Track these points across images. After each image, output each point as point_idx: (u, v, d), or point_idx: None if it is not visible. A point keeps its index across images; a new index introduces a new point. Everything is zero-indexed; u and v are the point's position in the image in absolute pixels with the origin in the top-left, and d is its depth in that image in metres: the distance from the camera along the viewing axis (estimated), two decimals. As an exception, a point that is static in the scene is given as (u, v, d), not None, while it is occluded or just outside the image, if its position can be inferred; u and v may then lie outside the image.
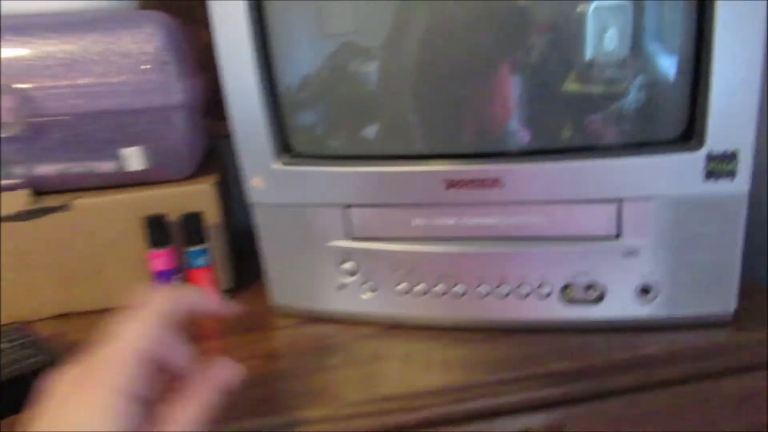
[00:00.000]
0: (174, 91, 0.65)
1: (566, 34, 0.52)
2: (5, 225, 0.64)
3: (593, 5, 0.51)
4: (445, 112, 0.55)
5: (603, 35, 0.52)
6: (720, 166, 0.50)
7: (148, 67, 0.64)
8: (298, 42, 0.56)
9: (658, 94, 0.52)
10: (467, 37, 0.54)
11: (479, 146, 0.55)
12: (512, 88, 0.54)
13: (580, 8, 0.51)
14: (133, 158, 0.66)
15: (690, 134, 0.51)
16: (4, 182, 0.66)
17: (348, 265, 0.58)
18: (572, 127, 0.54)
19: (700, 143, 0.50)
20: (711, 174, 0.51)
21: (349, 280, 0.59)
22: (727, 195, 0.51)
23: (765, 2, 0.46)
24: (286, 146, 0.58)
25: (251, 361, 0.56)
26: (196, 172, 0.71)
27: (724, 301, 0.54)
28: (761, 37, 0.47)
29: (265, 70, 0.55)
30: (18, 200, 0.64)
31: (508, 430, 0.51)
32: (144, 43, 0.64)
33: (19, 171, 0.66)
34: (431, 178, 0.53)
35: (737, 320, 0.55)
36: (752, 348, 0.53)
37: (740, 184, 0.51)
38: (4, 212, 0.64)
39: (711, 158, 0.50)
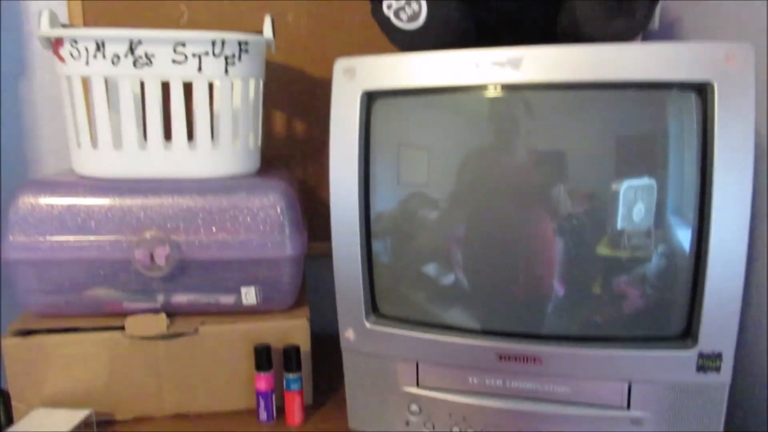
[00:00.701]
0: (287, 247, 0.83)
1: (602, 205, 0.68)
2: (146, 341, 0.82)
3: (626, 183, 0.68)
4: (500, 285, 0.72)
5: (632, 208, 0.68)
6: (709, 362, 0.66)
7: (269, 228, 0.83)
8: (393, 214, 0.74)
9: (674, 270, 0.67)
10: (517, 207, 0.71)
11: (527, 327, 0.71)
12: (554, 249, 0.71)
13: (615, 186, 0.67)
14: (250, 295, 0.85)
15: (687, 334, 0.67)
16: (145, 305, 0.84)
17: (414, 407, 0.75)
18: (601, 297, 0.70)
19: (694, 342, 0.66)
20: (701, 368, 0.66)
21: (414, 418, 0.75)
22: (713, 384, 0.66)
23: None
24: (374, 307, 0.75)
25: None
26: (294, 303, 0.89)
27: (709, 466, 0.69)
28: (743, 256, 0.63)
29: (366, 239, 0.73)
30: (158, 324, 0.83)
31: None
32: (268, 209, 0.83)
33: (160, 298, 0.84)
34: (487, 350, 0.70)
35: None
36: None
37: (724, 376, 0.66)
38: (149, 333, 0.82)
39: (702, 356, 0.66)
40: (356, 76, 0.71)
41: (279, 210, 0.83)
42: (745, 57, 0.60)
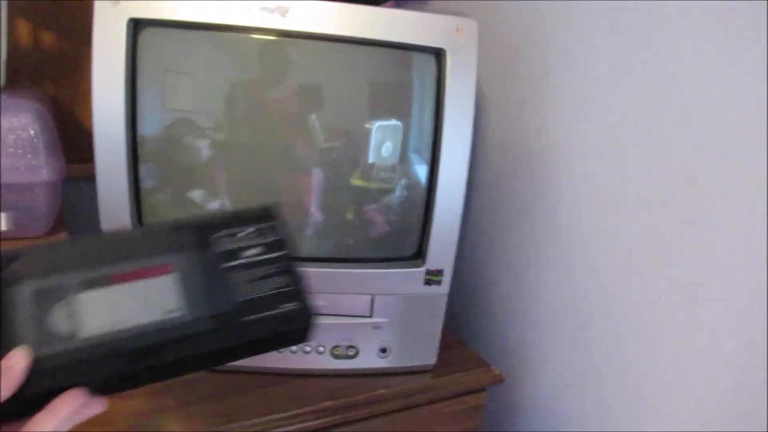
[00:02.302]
0: (42, 172, 0.80)
1: (356, 141, 0.79)
2: None
3: (377, 123, 0.79)
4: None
5: (382, 145, 0.79)
6: (433, 277, 0.81)
7: (21, 151, 0.78)
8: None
9: (412, 200, 0.81)
10: (280, 139, 0.78)
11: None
12: (313, 178, 0.80)
13: (367, 124, 0.78)
14: (1, 221, 0.80)
15: (418, 254, 0.81)
16: None
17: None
18: (353, 223, 0.81)
19: (423, 262, 0.80)
20: (428, 282, 0.81)
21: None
22: (435, 294, 0.82)
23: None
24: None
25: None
26: (50, 229, 0.86)
27: (430, 356, 0.86)
28: (462, 191, 0.78)
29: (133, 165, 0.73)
30: None
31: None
32: (19, 130, 0.78)
33: None
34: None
35: (436, 368, 0.87)
36: (444, 387, 0.86)
37: (444, 288, 0.82)
38: None
39: (428, 272, 0.81)
40: (120, 1, 0.69)
41: (32, 132, 0.79)
42: (471, 30, 0.73)
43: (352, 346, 0.83)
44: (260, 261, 0.48)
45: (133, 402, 0.74)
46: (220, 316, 0.45)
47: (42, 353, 0.40)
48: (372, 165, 0.80)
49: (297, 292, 0.49)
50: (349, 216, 0.83)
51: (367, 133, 0.78)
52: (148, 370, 0.43)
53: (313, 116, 0.78)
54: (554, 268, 0.87)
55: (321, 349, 0.82)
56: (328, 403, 0.78)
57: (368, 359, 0.84)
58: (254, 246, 0.49)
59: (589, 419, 0.84)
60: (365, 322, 0.82)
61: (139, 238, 0.50)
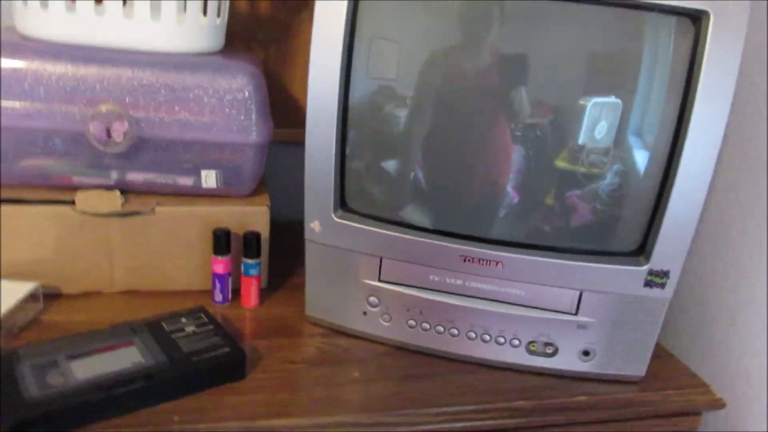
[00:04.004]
0: (252, 132, 0.80)
1: (565, 119, 0.70)
2: (98, 218, 0.79)
3: (593, 100, 0.69)
4: (457, 187, 0.73)
5: (595, 125, 0.70)
6: (656, 279, 0.71)
7: (235, 111, 0.79)
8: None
9: (625, 189, 0.70)
10: (481, 110, 0.71)
11: (488, 231, 0.73)
12: (513, 155, 0.72)
13: (582, 101, 0.68)
14: (210, 179, 0.82)
15: (641, 251, 0.71)
16: (98, 181, 0.81)
17: (373, 298, 0.77)
18: (553, 209, 0.73)
19: (646, 260, 0.70)
20: (648, 284, 0.71)
21: (372, 309, 0.77)
22: (656, 298, 0.71)
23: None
24: (343, 201, 0.75)
25: (286, 365, 0.74)
26: (254, 190, 0.87)
27: (639, 367, 0.75)
28: (708, 180, 0.66)
29: (342, 133, 0.71)
30: (112, 201, 0.80)
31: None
32: (235, 91, 0.79)
33: (114, 175, 0.81)
34: (452, 251, 0.72)
35: (645, 381, 0.76)
36: (654, 403, 0.75)
37: (668, 292, 0.71)
38: (101, 209, 0.79)
39: (651, 273, 0.70)
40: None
41: (247, 93, 0.79)
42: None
43: (550, 344, 0.75)
44: (199, 331, 0.72)
45: (320, 370, 0.73)
46: (173, 360, 0.66)
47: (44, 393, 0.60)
48: (581, 147, 0.70)
49: (229, 341, 0.70)
50: (549, 200, 0.74)
51: (579, 111, 0.69)
52: (122, 397, 0.62)
53: (520, 88, 0.70)
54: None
55: (516, 342, 0.75)
56: (522, 403, 0.71)
57: (568, 360, 0.75)
58: (193, 325, 0.73)
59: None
60: (569, 320, 0.74)
61: (109, 332, 0.71)
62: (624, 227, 0.72)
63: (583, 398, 0.73)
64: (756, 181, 0.80)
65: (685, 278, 0.89)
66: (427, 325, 0.76)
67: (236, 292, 0.85)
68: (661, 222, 0.68)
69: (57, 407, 0.59)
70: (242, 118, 0.80)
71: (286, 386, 0.70)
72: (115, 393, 0.61)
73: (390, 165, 0.76)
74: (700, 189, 0.66)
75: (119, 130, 0.76)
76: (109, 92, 0.76)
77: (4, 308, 0.72)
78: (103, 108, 0.76)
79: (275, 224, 0.86)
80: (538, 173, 0.73)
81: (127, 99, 0.77)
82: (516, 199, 0.74)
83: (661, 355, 0.82)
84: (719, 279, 0.84)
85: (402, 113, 0.73)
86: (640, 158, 0.70)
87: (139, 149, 0.79)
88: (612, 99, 0.69)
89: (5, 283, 0.76)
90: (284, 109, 1.00)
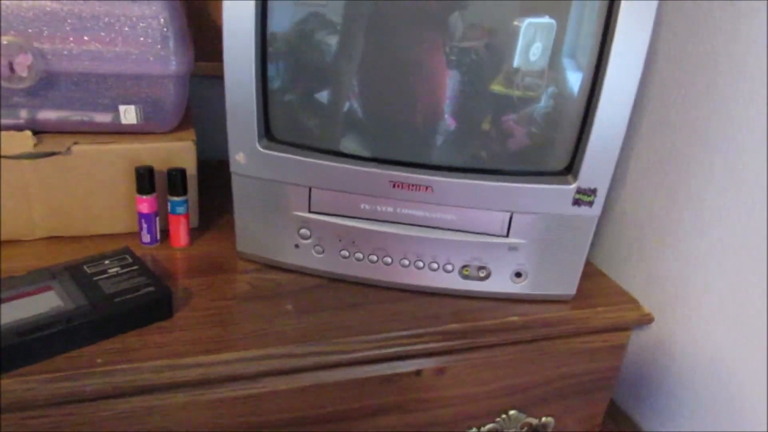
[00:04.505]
0: (171, 62, 0.77)
1: (500, 41, 0.69)
2: (10, 161, 0.75)
3: (527, 20, 0.68)
4: (394, 113, 0.71)
5: (530, 47, 0.69)
6: (584, 197, 0.71)
7: (151, 40, 0.75)
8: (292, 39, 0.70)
9: (560, 110, 0.70)
10: (415, 35, 0.69)
11: (419, 156, 0.72)
12: (448, 80, 0.71)
13: (516, 21, 0.67)
14: (129, 114, 0.78)
15: (569, 170, 0.71)
16: (7, 122, 0.76)
17: (304, 230, 0.75)
18: (489, 133, 0.72)
19: (574, 179, 0.70)
20: (576, 202, 0.71)
21: (304, 242, 0.76)
22: (584, 216, 0.72)
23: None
24: (268, 131, 0.72)
25: (217, 302, 0.72)
26: (178, 125, 0.83)
27: (570, 287, 0.77)
28: (632, 97, 0.66)
29: (262, 61, 0.68)
30: (23, 142, 0.75)
31: (406, 370, 0.71)
32: (150, 19, 0.75)
33: (23, 114, 0.76)
34: (381, 178, 0.70)
35: (575, 300, 0.78)
36: (584, 321, 0.77)
37: (595, 210, 0.72)
38: (11, 152, 0.75)
39: (579, 191, 0.71)
40: None
41: (162, 20, 0.75)
42: None
43: (483, 267, 0.75)
44: (123, 273, 0.70)
45: (252, 305, 0.72)
46: (94, 302, 0.64)
47: None
48: (516, 70, 0.69)
49: (154, 281, 0.68)
50: (485, 126, 0.73)
51: (514, 32, 0.67)
52: (41, 342, 0.59)
53: (454, 11, 0.68)
54: (730, 191, 0.74)
55: (449, 267, 0.75)
56: (455, 326, 0.72)
57: (500, 283, 0.76)
58: (117, 266, 0.71)
59: (750, 364, 0.72)
60: (500, 242, 0.74)
61: (27, 278, 0.68)
62: (555, 148, 0.72)
63: (515, 318, 0.74)
64: (685, 98, 0.81)
65: (619, 198, 0.90)
66: (360, 255, 0.75)
67: (166, 233, 0.82)
68: (587, 141, 0.68)
69: None
70: (159, 47, 0.75)
71: (216, 323, 0.68)
72: (33, 338, 0.59)
73: (317, 92, 0.73)
74: (624, 105, 0.66)
75: (23, 63, 0.71)
76: (9, 23, 0.71)
77: None
78: (4, 40, 0.71)
79: (207, 163, 0.83)
80: (474, 98, 0.72)
81: (29, 30, 0.72)
82: (452, 125, 0.73)
83: (593, 273, 0.84)
84: (651, 198, 0.85)
85: (332, 40, 0.71)
86: (574, 80, 0.69)
87: (48, 85, 0.74)
88: (546, 19, 0.68)
89: None
90: (211, 42, 0.95)
